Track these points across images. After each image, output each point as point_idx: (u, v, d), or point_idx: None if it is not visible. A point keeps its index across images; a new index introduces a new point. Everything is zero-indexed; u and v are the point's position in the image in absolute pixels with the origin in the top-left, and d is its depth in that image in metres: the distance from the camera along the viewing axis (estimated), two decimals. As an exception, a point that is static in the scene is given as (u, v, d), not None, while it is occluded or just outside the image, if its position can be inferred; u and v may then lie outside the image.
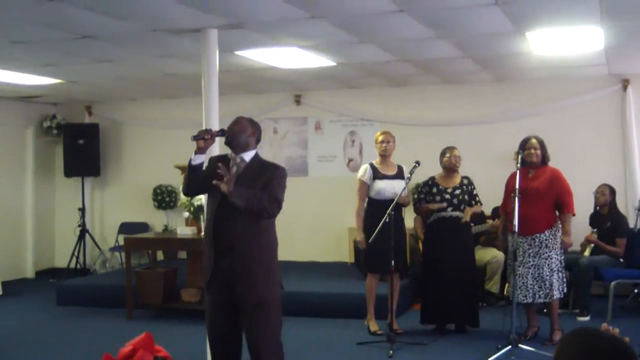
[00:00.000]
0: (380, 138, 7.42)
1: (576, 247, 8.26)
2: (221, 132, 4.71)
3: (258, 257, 4.54)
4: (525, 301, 6.78)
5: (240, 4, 5.78)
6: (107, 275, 10.68)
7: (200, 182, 4.65)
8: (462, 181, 7.38)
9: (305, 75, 9.43)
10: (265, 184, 4.54)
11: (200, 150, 4.57)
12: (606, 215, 8.37)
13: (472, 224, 7.60)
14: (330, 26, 6.48)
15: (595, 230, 8.30)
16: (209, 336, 4.73)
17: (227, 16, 6.14)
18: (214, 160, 4.70)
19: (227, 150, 4.79)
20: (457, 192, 7.29)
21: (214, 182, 4.37)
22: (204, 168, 4.70)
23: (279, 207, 4.55)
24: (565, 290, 6.93)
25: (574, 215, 6.85)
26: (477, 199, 7.41)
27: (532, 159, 6.76)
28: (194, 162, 4.58)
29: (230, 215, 4.48)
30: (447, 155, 7.37)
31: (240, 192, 4.39)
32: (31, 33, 6.63)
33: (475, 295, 7.50)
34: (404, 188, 7.10)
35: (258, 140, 4.80)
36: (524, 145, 6.84)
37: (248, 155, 4.68)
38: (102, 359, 3.84)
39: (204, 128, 4.56)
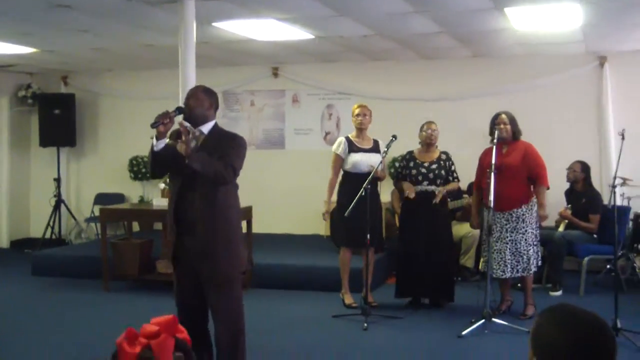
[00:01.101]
0: (356, 111, 7.42)
1: (551, 222, 8.34)
2: (178, 111, 4.67)
3: (219, 235, 4.60)
4: (504, 276, 6.83)
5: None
6: (82, 246, 10.64)
7: (164, 163, 4.63)
8: (440, 156, 7.40)
9: (283, 48, 9.38)
10: (223, 152, 4.57)
11: (161, 135, 4.52)
12: (581, 191, 8.45)
13: (448, 199, 7.64)
14: (308, -2, 6.45)
15: (570, 206, 8.39)
16: (177, 307, 4.79)
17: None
18: (174, 134, 4.70)
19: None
20: (434, 166, 7.31)
21: (170, 142, 4.44)
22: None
23: (235, 173, 4.59)
24: (539, 264, 7.00)
25: (548, 188, 6.92)
26: (455, 174, 7.42)
27: (503, 134, 6.78)
28: (156, 148, 4.54)
29: (191, 194, 4.56)
30: (425, 129, 7.38)
31: (198, 157, 4.44)
32: (6, 1, 6.53)
33: (450, 270, 7.55)
34: (381, 162, 7.11)
35: (216, 109, 4.82)
36: (494, 120, 6.88)
37: (206, 127, 4.70)
38: (125, 333, 3.84)
39: (160, 113, 4.52)
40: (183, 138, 4.42)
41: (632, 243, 8.49)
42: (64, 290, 8.42)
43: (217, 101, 4.84)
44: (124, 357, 3.92)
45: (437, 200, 7.20)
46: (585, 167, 8.52)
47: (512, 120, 6.90)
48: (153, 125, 4.47)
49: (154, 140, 4.54)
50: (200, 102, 4.68)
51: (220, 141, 4.66)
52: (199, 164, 4.42)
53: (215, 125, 4.76)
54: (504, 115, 6.88)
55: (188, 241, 4.61)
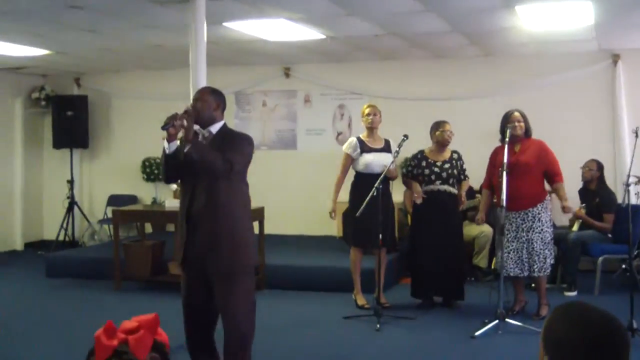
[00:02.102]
0: (366, 111, 7.41)
1: (564, 222, 8.29)
2: (187, 113, 4.67)
3: (223, 230, 4.59)
4: (522, 274, 6.81)
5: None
6: (95, 248, 10.65)
7: (178, 166, 4.63)
8: (452, 155, 7.38)
9: (294, 48, 9.37)
10: (227, 148, 4.58)
11: (172, 138, 4.51)
12: (594, 190, 8.39)
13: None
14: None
15: (584, 205, 8.32)
16: (184, 308, 4.76)
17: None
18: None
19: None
20: (447, 166, 7.29)
21: (169, 128, 4.42)
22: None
23: (232, 167, 4.54)
24: (552, 264, 6.96)
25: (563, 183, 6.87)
26: (465, 173, 7.42)
27: (517, 131, 6.76)
28: (168, 151, 4.54)
29: (199, 192, 4.57)
30: (440, 129, 7.34)
31: (198, 146, 4.48)
32: (17, 2, 6.55)
33: (461, 270, 7.52)
34: (392, 161, 7.09)
35: (224, 109, 4.82)
36: (507, 119, 6.84)
37: (215, 128, 4.72)
38: (105, 326, 3.86)
39: (169, 115, 4.52)
40: (185, 123, 4.43)
41: (647, 242, 8.42)
42: (77, 291, 8.46)
43: (225, 101, 4.84)
44: (100, 350, 3.92)
45: (464, 206, 7.22)
46: (600, 166, 8.46)
47: (525, 118, 6.88)
48: (163, 128, 4.47)
49: (165, 143, 4.54)
50: (208, 104, 4.70)
51: (227, 140, 4.68)
52: (198, 154, 4.45)
53: (224, 125, 4.77)
54: (517, 113, 6.85)
55: (195, 238, 4.62)
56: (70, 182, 11.46)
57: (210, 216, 4.58)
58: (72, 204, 11.40)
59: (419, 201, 7.24)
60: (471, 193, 8.50)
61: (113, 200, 11.40)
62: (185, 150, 4.43)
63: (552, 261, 6.90)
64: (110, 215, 10.31)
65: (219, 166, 4.50)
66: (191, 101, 4.87)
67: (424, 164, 7.34)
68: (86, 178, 12.03)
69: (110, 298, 8.06)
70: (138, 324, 3.98)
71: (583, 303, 2.00)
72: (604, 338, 1.88)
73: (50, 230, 11.76)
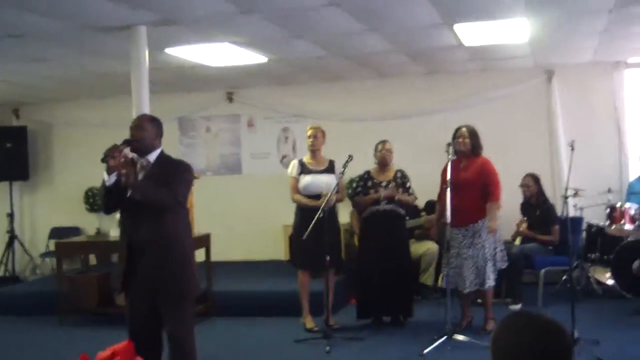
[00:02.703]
0: (308, 132, 7.44)
1: (507, 236, 8.41)
2: (127, 143, 4.68)
3: (170, 257, 4.63)
4: (465, 291, 6.86)
5: (170, 0, 5.71)
6: (38, 282, 10.42)
7: (117, 197, 4.65)
8: (396, 174, 7.43)
9: (237, 72, 9.37)
10: (168, 179, 4.62)
11: (111, 169, 4.53)
12: (535, 204, 8.54)
13: (406, 218, 7.66)
14: (262, 21, 6.47)
15: (525, 218, 8.47)
16: (130, 336, 4.75)
17: (156, 12, 6.07)
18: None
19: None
20: (391, 185, 7.34)
21: (108, 160, 4.47)
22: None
23: (177, 200, 4.64)
24: (496, 278, 7.02)
25: (497, 203, 6.90)
26: (410, 191, 7.47)
27: (461, 147, 6.85)
28: (108, 183, 4.57)
29: (141, 220, 4.60)
30: (379, 148, 7.43)
31: (140, 186, 4.53)
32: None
33: (409, 287, 7.55)
34: (337, 183, 7.09)
35: (161, 136, 4.85)
36: (455, 134, 6.93)
37: (153, 156, 4.75)
38: (79, 359, 3.83)
39: (108, 147, 4.55)
40: (124, 171, 4.48)
41: (586, 253, 8.60)
42: (20, 329, 8.20)
43: (162, 129, 4.88)
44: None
45: (381, 196, 7.19)
46: (536, 179, 8.62)
47: (473, 135, 6.94)
48: (103, 160, 4.49)
49: (105, 175, 4.56)
50: (148, 134, 4.73)
51: (166, 168, 4.72)
52: (141, 194, 4.48)
53: (161, 153, 4.81)
54: (464, 129, 6.94)
55: (139, 267, 4.63)
56: (10, 215, 11.23)
57: (157, 245, 4.60)
58: (12, 238, 11.17)
59: (382, 195, 7.22)
60: (416, 211, 8.57)
61: (55, 232, 11.18)
62: (128, 194, 4.47)
63: (494, 275, 6.96)
64: (52, 248, 10.11)
65: (165, 202, 4.57)
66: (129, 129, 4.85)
67: (369, 184, 7.39)
68: (27, 211, 11.80)
69: (56, 333, 7.87)
70: (112, 352, 3.95)
71: (527, 311, 2.05)
72: (551, 341, 1.94)
73: (-10, 266, 11.47)
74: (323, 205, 6.74)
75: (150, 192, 4.52)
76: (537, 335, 1.94)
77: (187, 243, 4.82)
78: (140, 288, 4.66)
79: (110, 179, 4.54)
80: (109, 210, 4.96)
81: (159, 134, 4.81)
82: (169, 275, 4.61)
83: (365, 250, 7.47)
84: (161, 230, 4.60)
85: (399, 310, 7.46)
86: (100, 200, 4.86)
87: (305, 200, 7.21)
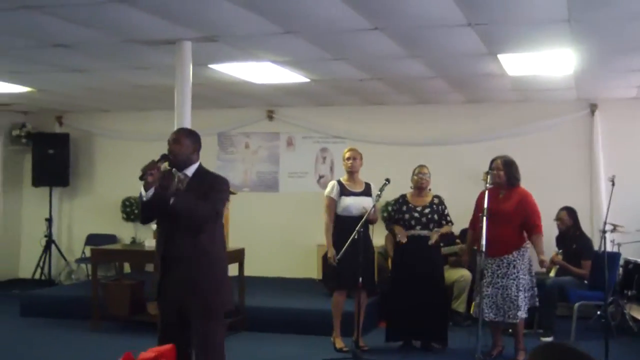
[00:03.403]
0: (347, 155, 7.46)
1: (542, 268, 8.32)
2: (164, 159, 4.76)
3: (203, 271, 4.69)
4: (496, 319, 6.80)
5: (215, 17, 5.78)
6: (72, 287, 10.55)
7: (154, 211, 4.75)
8: (432, 200, 7.42)
9: (279, 91, 9.45)
10: (206, 193, 4.69)
11: (149, 185, 4.62)
12: (571, 236, 8.47)
13: (441, 244, 7.63)
14: (304, 42, 6.52)
15: (561, 251, 8.40)
16: (159, 345, 4.80)
17: (201, 29, 6.14)
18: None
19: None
20: (427, 210, 7.32)
21: (147, 177, 4.58)
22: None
23: (217, 214, 4.74)
24: (530, 309, 6.97)
25: (541, 235, 6.89)
26: (448, 218, 7.44)
27: (496, 179, 6.82)
28: (145, 198, 4.65)
29: (177, 233, 4.67)
30: (416, 173, 7.43)
31: (182, 199, 4.60)
32: (4, 40, 6.58)
33: (444, 314, 7.51)
34: (373, 205, 7.12)
35: (199, 150, 4.93)
36: (490, 165, 6.91)
37: (190, 170, 4.82)
38: (123, 357, 3.92)
39: (145, 164, 4.64)
40: (164, 183, 4.59)
41: (622, 289, 8.48)
42: (52, 331, 8.33)
43: (200, 143, 4.95)
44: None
45: (432, 241, 7.21)
46: (571, 212, 8.56)
47: (508, 166, 6.89)
48: (141, 178, 4.56)
49: (142, 190, 4.64)
50: (185, 149, 4.81)
51: (204, 182, 4.78)
52: (182, 205, 4.57)
53: (200, 166, 4.88)
54: (499, 161, 6.91)
55: (173, 278, 4.69)
56: (49, 220, 11.39)
57: (192, 258, 4.66)
58: (49, 242, 11.32)
59: (403, 240, 7.25)
60: (451, 238, 8.54)
61: (92, 239, 11.31)
62: (171, 203, 4.52)
63: (527, 307, 6.89)
64: (88, 254, 10.24)
65: (204, 214, 4.63)
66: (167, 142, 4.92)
67: (404, 208, 7.39)
68: (65, 216, 11.97)
69: (87, 338, 7.96)
70: (156, 354, 4.02)
71: (560, 343, 2.04)
72: None
73: (27, 269, 11.65)
74: (359, 226, 6.75)
75: (191, 203, 4.59)
76: None
77: (220, 257, 4.87)
78: (172, 300, 4.73)
79: (148, 194, 4.63)
80: (145, 222, 5.07)
81: (197, 148, 4.87)
82: (199, 290, 4.67)
83: (398, 273, 7.46)
84: (196, 244, 4.66)
85: (432, 336, 7.41)
86: (138, 212, 4.95)
87: (327, 237, 7.29)
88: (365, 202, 7.23)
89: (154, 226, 8.53)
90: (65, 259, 11.61)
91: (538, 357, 2.00)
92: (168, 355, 4.09)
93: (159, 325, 4.87)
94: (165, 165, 4.72)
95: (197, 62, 6.91)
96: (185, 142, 4.81)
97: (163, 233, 4.79)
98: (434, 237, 7.24)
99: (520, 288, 6.76)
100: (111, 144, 11.72)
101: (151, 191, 4.62)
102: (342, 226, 7.17)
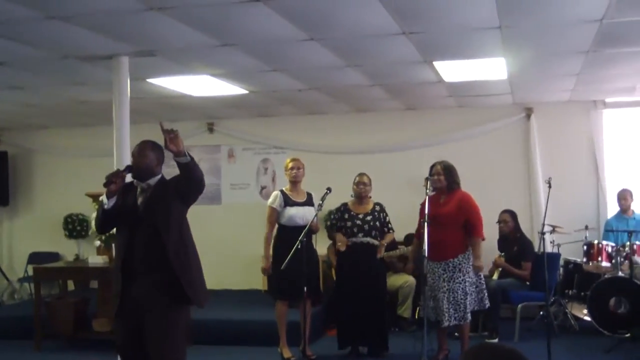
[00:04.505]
0: (290, 165, 7.48)
1: (485, 270, 8.46)
2: (128, 170, 4.77)
3: (164, 285, 4.62)
4: (442, 325, 6.85)
5: (152, 32, 5.78)
6: (15, 307, 10.36)
7: (114, 220, 4.74)
8: (374, 207, 7.48)
9: (218, 103, 9.44)
10: (177, 183, 4.71)
11: (111, 194, 4.62)
12: (512, 239, 8.63)
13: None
14: (242, 54, 6.54)
15: (503, 254, 8.55)
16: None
17: (138, 43, 6.13)
18: (120, 191, 4.76)
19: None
20: (369, 218, 7.39)
21: (111, 185, 4.58)
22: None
23: (203, 183, 4.79)
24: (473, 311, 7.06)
25: (483, 239, 7.00)
26: (389, 226, 7.51)
27: (437, 184, 6.90)
28: (107, 207, 4.64)
29: (138, 244, 4.61)
30: (356, 182, 7.48)
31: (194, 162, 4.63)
32: None
33: (384, 320, 7.53)
34: (315, 215, 7.16)
35: (162, 162, 4.91)
36: (430, 171, 7.01)
37: (153, 181, 4.80)
38: None
39: (110, 172, 4.63)
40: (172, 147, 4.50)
41: (563, 289, 8.67)
42: (-6, 353, 8.18)
43: (163, 155, 4.91)
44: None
45: (380, 254, 7.29)
46: (513, 215, 8.72)
47: (448, 171, 6.96)
48: (105, 185, 4.54)
49: (105, 198, 4.62)
50: (150, 161, 4.78)
51: (167, 186, 4.76)
52: (195, 166, 4.61)
53: (162, 178, 4.86)
54: (438, 166, 6.98)
55: (132, 289, 4.62)
56: (-11, 240, 11.19)
57: (152, 267, 4.60)
58: (-10, 262, 11.11)
59: (342, 248, 7.31)
60: (393, 244, 8.62)
61: (34, 257, 11.12)
62: (186, 161, 4.51)
63: (476, 309, 6.99)
64: (31, 273, 10.07)
65: (202, 179, 4.70)
66: (117, 156, 4.92)
67: (346, 216, 7.45)
68: (6, 235, 11.77)
69: (30, 358, 7.83)
70: None
71: (489, 343, 2.12)
72: None
73: (-33, 290, 11.41)
74: (302, 236, 6.78)
75: (197, 166, 4.63)
76: None
77: (190, 261, 4.84)
78: (132, 313, 4.63)
79: (110, 203, 4.62)
80: (103, 231, 5.07)
81: (161, 160, 4.86)
82: (159, 303, 4.60)
83: (341, 281, 7.51)
84: (160, 258, 4.60)
85: (375, 342, 7.48)
86: (96, 221, 4.90)
87: (265, 247, 7.35)
88: (308, 212, 7.26)
89: (97, 243, 8.50)
90: (7, 279, 11.40)
91: (470, 357, 2.07)
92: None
93: (118, 342, 4.78)
94: (129, 177, 4.73)
95: (135, 76, 6.89)
96: (148, 155, 4.78)
97: (121, 243, 4.72)
98: (382, 251, 7.34)
99: (467, 291, 6.83)
100: (51, 161, 11.56)
101: (112, 200, 4.61)
102: (287, 236, 7.18)
